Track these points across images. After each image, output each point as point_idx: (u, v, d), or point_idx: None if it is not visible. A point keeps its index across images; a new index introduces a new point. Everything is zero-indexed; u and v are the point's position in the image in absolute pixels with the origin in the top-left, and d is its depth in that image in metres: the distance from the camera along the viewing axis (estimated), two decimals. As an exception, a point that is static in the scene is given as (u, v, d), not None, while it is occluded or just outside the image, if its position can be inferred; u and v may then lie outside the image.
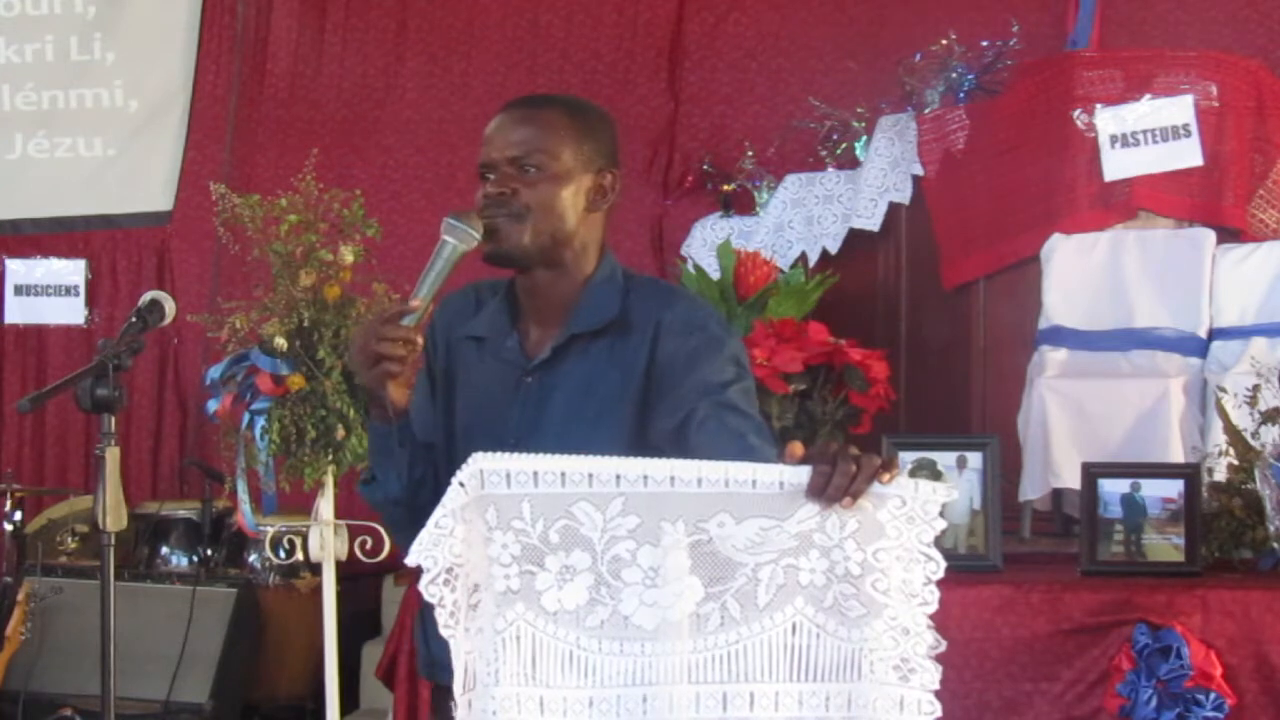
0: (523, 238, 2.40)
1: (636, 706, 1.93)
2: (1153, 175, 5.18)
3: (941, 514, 1.94)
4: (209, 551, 5.65)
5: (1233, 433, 4.20)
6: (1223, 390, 4.48)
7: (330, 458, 4.41)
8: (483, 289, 2.56)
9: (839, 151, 6.08)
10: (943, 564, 1.94)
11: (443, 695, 2.28)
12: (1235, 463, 4.18)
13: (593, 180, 2.46)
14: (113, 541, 2.79)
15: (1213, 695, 3.73)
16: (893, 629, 1.93)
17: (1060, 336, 5.09)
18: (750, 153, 6.32)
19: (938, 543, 1.95)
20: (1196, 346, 4.98)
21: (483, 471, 1.93)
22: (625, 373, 2.41)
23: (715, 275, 5.39)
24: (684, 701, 1.93)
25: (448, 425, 2.48)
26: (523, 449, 2.13)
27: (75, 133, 7.13)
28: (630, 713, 1.93)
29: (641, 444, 2.35)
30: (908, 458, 4.17)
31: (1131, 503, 4.10)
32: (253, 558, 5.65)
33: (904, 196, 5.69)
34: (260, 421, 4.40)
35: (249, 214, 4.49)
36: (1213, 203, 5.20)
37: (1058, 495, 4.86)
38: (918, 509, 1.93)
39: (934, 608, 1.93)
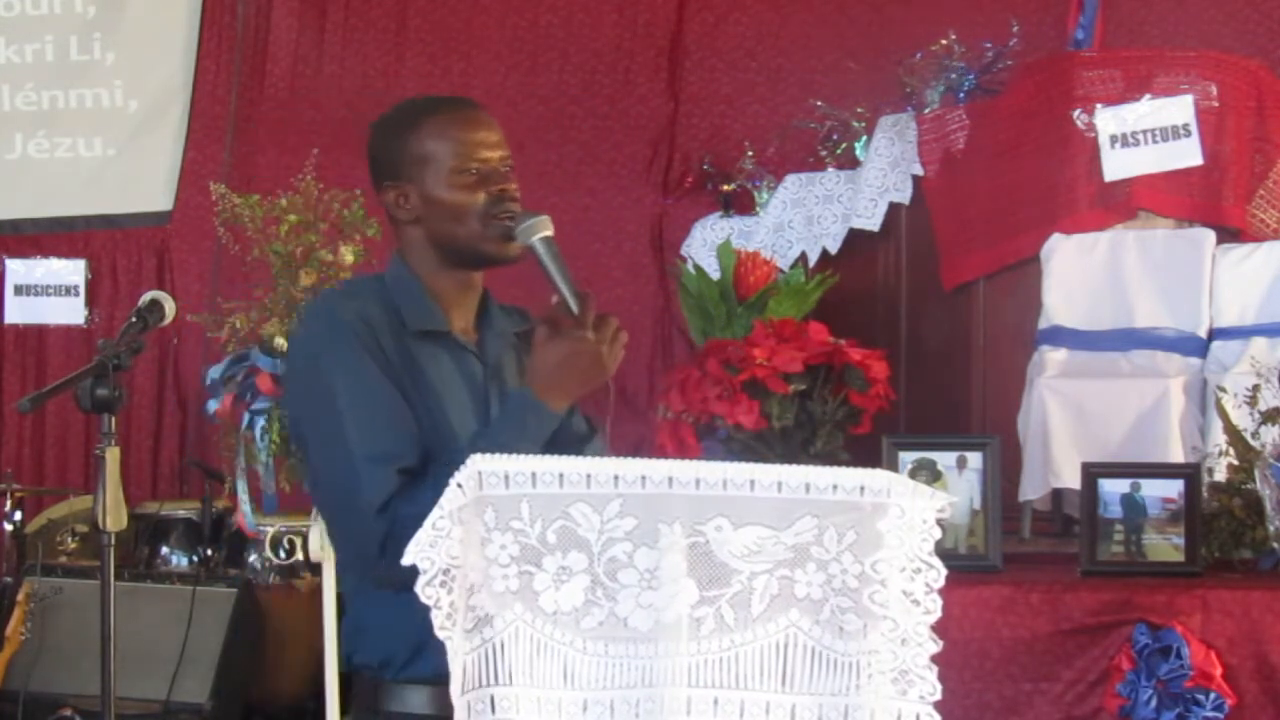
0: None
1: (630, 709, 1.93)
2: (1153, 175, 5.17)
3: (939, 523, 1.94)
4: (209, 551, 5.64)
5: (1233, 433, 4.20)
6: (1223, 390, 4.47)
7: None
8: (365, 289, 2.47)
9: (839, 151, 6.07)
10: (944, 572, 1.93)
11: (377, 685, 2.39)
12: (1235, 463, 4.18)
13: None
14: (113, 541, 2.78)
15: (1213, 695, 3.73)
16: (891, 641, 1.92)
17: (1060, 336, 5.08)
18: (750, 153, 6.31)
19: (938, 542, 1.94)
20: (1196, 346, 4.98)
21: (480, 473, 1.93)
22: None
23: (715, 275, 5.39)
24: (675, 705, 1.93)
25: (436, 426, 2.39)
26: None
27: (75, 133, 7.11)
28: (623, 715, 1.93)
29: None
30: (908, 458, 4.17)
31: (1131, 503, 4.09)
32: (253, 558, 5.63)
33: (904, 196, 5.68)
34: (260, 421, 4.40)
35: (249, 214, 4.49)
36: (1213, 203, 5.20)
37: (1058, 495, 4.86)
38: (917, 518, 1.93)
39: (936, 616, 1.93)
